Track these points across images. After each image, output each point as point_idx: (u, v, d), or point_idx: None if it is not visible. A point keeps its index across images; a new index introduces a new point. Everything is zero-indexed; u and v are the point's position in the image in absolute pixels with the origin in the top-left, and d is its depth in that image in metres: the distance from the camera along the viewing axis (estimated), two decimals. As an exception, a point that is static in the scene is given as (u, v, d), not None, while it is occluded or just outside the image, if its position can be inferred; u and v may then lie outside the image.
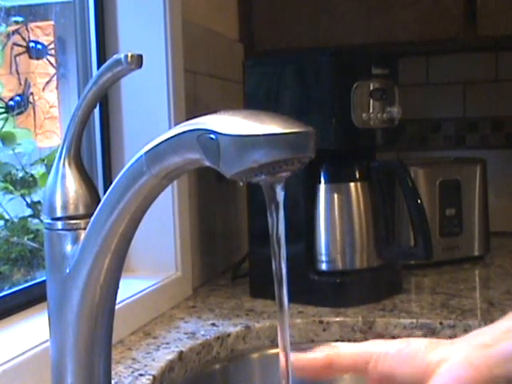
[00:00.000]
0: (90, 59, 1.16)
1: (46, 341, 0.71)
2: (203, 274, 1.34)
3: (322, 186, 1.18)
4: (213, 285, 1.33)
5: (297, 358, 0.57)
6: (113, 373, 0.71)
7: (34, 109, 1.20)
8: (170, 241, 1.20)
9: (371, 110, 1.15)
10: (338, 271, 1.18)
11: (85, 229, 0.57)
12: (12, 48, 1.17)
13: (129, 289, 1.08)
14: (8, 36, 1.16)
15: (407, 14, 1.51)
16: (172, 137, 0.48)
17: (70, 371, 0.58)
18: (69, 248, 0.58)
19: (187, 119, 0.49)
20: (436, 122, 1.89)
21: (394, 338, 1.04)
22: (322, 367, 0.57)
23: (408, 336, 1.03)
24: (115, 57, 0.57)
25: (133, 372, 0.87)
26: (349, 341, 1.06)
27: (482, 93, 1.86)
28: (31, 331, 0.85)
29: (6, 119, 1.16)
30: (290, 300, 0.50)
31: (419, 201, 1.18)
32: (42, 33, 1.22)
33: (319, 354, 0.57)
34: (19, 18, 1.17)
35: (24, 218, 1.16)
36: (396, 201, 1.33)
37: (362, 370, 0.56)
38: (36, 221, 1.16)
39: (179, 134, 0.48)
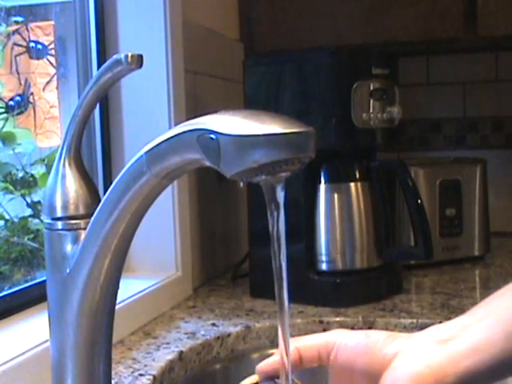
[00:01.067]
0: (90, 59, 1.16)
1: (46, 341, 0.72)
2: (203, 274, 1.34)
3: (322, 186, 1.18)
4: (213, 285, 1.33)
5: (266, 363, 0.56)
6: (113, 373, 0.71)
7: (34, 109, 1.20)
8: (170, 241, 1.20)
9: (371, 110, 1.15)
10: (338, 271, 1.18)
11: (85, 229, 0.57)
12: (12, 48, 1.17)
13: (129, 289, 1.08)
14: (8, 36, 1.16)
15: (407, 14, 1.51)
16: (172, 137, 0.48)
17: (70, 371, 0.58)
18: (69, 248, 0.58)
19: (187, 119, 0.49)
20: (436, 122, 1.89)
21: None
22: (294, 364, 0.56)
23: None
24: (115, 57, 0.57)
25: (133, 372, 0.87)
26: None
27: (482, 93, 1.86)
28: (31, 331, 0.85)
29: (7, 119, 1.16)
30: (290, 300, 0.50)
31: (419, 201, 1.18)
32: (42, 33, 1.22)
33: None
34: (19, 18, 1.17)
35: (24, 218, 1.16)
36: (396, 201, 1.33)
37: (325, 360, 0.56)
38: (36, 221, 1.16)
39: (179, 133, 0.48)
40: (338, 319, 1.08)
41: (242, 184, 0.48)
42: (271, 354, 1.05)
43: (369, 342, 0.55)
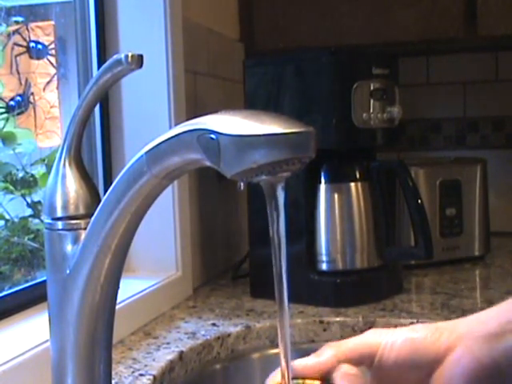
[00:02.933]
0: (91, 59, 1.16)
1: (46, 341, 0.72)
2: (203, 274, 1.34)
3: (323, 186, 1.18)
4: (213, 285, 1.33)
5: (300, 364, 0.56)
6: (113, 373, 0.71)
7: (34, 109, 1.20)
8: (170, 241, 1.20)
9: (371, 110, 1.15)
10: (338, 271, 1.18)
11: (85, 229, 0.57)
12: (12, 48, 1.17)
13: (129, 289, 1.08)
14: (8, 36, 1.16)
15: (407, 14, 1.51)
16: (172, 137, 0.48)
17: (70, 371, 0.58)
18: (69, 248, 0.58)
19: (187, 119, 0.49)
20: (436, 122, 1.89)
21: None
22: (329, 370, 0.56)
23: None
24: (115, 57, 0.57)
25: (133, 372, 0.87)
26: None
27: (482, 93, 1.86)
28: (31, 331, 0.85)
29: (7, 119, 1.16)
30: (291, 300, 0.50)
31: (420, 201, 1.18)
32: (43, 33, 1.22)
33: (324, 359, 0.56)
34: (20, 18, 1.17)
35: (24, 218, 1.16)
36: (396, 201, 1.33)
37: (367, 363, 0.56)
38: (36, 221, 1.16)
39: (179, 134, 0.48)
40: (338, 319, 1.08)
41: (241, 187, 0.48)
42: (271, 354, 1.05)
43: (417, 339, 0.54)
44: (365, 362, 0.56)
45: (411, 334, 0.55)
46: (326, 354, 0.56)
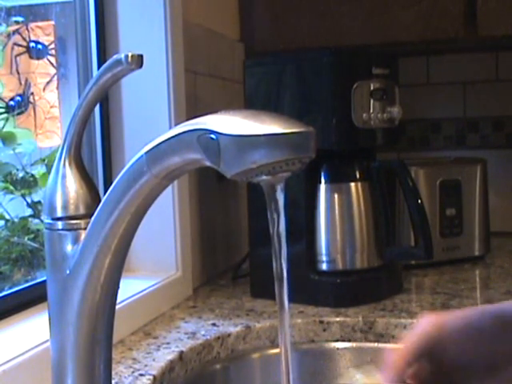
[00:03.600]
0: (91, 59, 1.16)
1: (46, 341, 0.72)
2: (203, 274, 1.34)
3: (323, 186, 1.18)
4: (213, 285, 1.33)
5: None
6: (113, 373, 0.71)
7: (34, 109, 1.20)
8: (170, 241, 1.20)
9: (371, 110, 1.15)
10: (338, 271, 1.18)
11: (85, 229, 0.57)
12: (12, 48, 1.17)
13: (129, 289, 1.08)
14: (8, 36, 1.16)
15: (407, 14, 1.51)
16: (172, 137, 0.48)
17: (70, 371, 0.58)
18: (69, 248, 0.58)
19: (187, 119, 0.49)
20: (436, 122, 1.89)
21: (393, 338, 1.04)
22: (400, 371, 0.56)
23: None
24: (115, 57, 0.57)
25: (133, 372, 0.87)
26: (349, 341, 1.06)
27: (482, 93, 1.86)
28: (31, 331, 0.85)
29: (7, 119, 1.16)
30: (291, 300, 0.50)
31: (420, 201, 1.18)
32: (43, 33, 1.22)
33: (397, 364, 0.56)
34: (20, 18, 1.17)
35: (24, 218, 1.16)
36: (396, 201, 1.33)
37: (433, 354, 0.56)
38: (36, 221, 1.16)
39: (179, 134, 0.48)
40: (338, 319, 1.08)
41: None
42: (271, 354, 1.05)
43: (481, 330, 0.54)
44: (425, 354, 0.56)
45: (476, 323, 0.54)
46: (396, 361, 0.56)
